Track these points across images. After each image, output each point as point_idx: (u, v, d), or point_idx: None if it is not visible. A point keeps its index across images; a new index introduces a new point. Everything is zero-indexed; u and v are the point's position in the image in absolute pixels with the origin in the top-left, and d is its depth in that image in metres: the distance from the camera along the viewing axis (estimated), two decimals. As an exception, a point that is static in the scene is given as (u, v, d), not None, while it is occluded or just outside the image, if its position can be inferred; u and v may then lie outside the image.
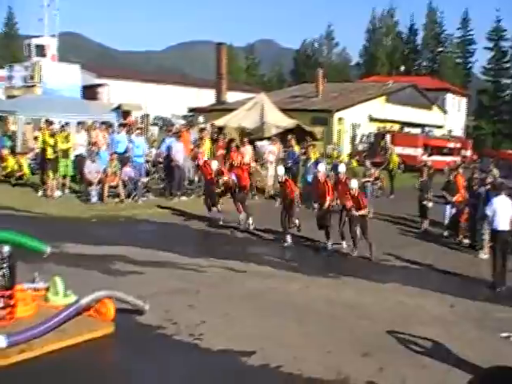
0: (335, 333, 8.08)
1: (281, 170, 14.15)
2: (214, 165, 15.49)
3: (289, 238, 13.37)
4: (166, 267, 10.87)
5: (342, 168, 13.92)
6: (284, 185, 13.77)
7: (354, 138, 38.07)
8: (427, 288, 10.61)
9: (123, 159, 18.06)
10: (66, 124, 19.31)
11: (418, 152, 32.73)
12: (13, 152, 20.24)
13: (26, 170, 18.82)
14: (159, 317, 8.05)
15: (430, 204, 15.95)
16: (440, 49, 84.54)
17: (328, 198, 12.98)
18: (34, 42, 37.80)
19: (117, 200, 16.90)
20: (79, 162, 18.08)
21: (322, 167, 13.94)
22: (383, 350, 7.58)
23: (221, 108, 34.93)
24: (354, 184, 12.81)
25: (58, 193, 17.24)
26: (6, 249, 7.38)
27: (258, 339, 7.55)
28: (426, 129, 41.18)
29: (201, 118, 28.09)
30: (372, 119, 39.30)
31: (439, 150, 33.88)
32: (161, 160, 20.02)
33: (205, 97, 53.17)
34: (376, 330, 8.26)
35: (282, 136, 21.88)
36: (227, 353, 7.14)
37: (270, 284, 10.25)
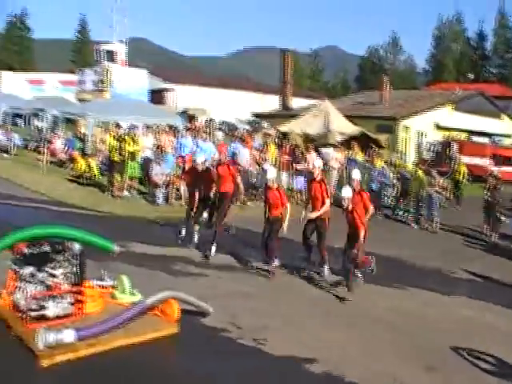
0: (398, 344, 7.94)
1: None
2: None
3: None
4: (229, 270, 10.94)
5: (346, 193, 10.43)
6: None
7: (419, 147, 37.35)
8: (494, 303, 10.29)
9: (188, 162, 18.29)
10: (134, 127, 19.78)
11: (485, 162, 31.77)
12: (83, 153, 20.90)
13: (95, 170, 19.36)
14: (223, 320, 8.09)
15: (504, 218, 15.46)
16: (511, 55, 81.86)
17: (371, 209, 10.96)
18: (104, 47, 38.98)
19: (182, 202, 17.13)
20: (146, 164, 18.46)
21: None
22: (447, 365, 7.39)
23: (285, 114, 34.96)
24: (345, 193, 10.23)
25: (125, 193, 17.64)
26: (77, 247, 7.59)
27: (320, 346, 7.50)
28: (495, 138, 39.97)
29: (265, 124, 28.21)
30: (438, 127, 38.44)
31: (508, 160, 32.79)
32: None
33: (269, 102, 53.32)
34: (440, 343, 8.06)
35: (347, 143, 21.73)
36: (290, 358, 7.11)
37: (333, 291, 10.17)
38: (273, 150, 20.03)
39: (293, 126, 24.10)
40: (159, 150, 18.64)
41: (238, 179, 12.60)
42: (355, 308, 9.34)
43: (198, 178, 12.30)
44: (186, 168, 13.47)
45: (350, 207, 10.03)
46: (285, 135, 22.43)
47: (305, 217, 11.16)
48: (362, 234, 9.65)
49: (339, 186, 20.12)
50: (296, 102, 42.36)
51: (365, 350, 7.60)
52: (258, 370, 6.83)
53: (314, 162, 12.66)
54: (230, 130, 43.97)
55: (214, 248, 11.62)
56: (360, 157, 20.25)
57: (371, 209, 10.82)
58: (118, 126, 18.74)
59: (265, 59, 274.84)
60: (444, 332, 8.55)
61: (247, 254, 12.07)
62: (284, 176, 19.58)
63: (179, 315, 7.55)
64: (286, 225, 10.71)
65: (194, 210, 12.41)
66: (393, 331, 8.41)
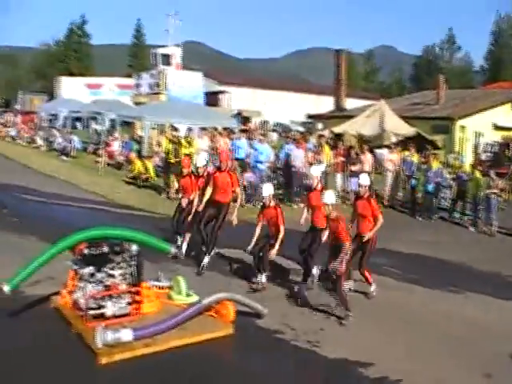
0: (454, 349, 7.78)
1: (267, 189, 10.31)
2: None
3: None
4: (283, 272, 10.95)
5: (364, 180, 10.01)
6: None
7: (476, 147, 36.43)
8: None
9: (244, 165, 18.45)
10: (190, 130, 20.05)
11: (547, 163, 30.67)
12: (139, 155, 21.34)
13: (152, 172, 19.72)
14: (277, 321, 8.11)
15: None
16: None
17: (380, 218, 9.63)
18: (160, 51, 39.58)
19: (235, 204, 17.22)
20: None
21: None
22: (506, 373, 7.19)
23: (340, 115, 34.72)
24: (328, 198, 8.90)
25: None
26: (134, 247, 7.76)
27: (375, 351, 7.44)
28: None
29: (319, 125, 28.14)
30: (497, 127, 37.40)
31: None
32: (280, 166, 20.20)
33: (323, 103, 53.12)
34: (499, 350, 7.85)
35: (402, 144, 21.44)
36: (344, 362, 7.08)
37: (391, 296, 10.03)
38: (327, 152, 19.92)
39: (347, 127, 23.95)
40: (214, 152, 18.82)
41: (238, 189, 11.49)
42: (410, 313, 9.20)
43: (195, 183, 11.41)
44: (184, 172, 12.00)
45: (334, 215, 8.76)
46: (339, 136, 22.30)
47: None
48: (346, 247, 8.48)
49: (394, 187, 19.94)
50: (350, 103, 42.00)
51: (419, 355, 7.48)
52: (312, 372, 6.84)
53: (311, 170, 11.59)
54: (284, 131, 44.03)
55: (206, 260, 10.60)
56: (416, 158, 19.93)
57: (380, 218, 9.56)
58: (174, 128, 19.05)
59: (319, 60, 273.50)
60: (503, 338, 8.33)
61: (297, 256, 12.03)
62: (338, 178, 19.47)
63: (234, 316, 7.63)
64: (275, 251, 9.78)
65: (189, 218, 11.45)
66: (449, 336, 8.25)
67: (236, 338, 7.34)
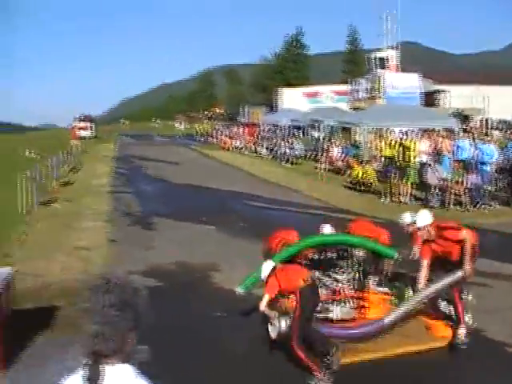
0: None
1: None
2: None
3: None
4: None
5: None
6: None
7: None
8: None
9: (467, 166, 17.53)
10: (411, 132, 19.61)
11: None
12: (359, 160, 21.42)
13: (372, 177, 19.63)
14: (504, 333, 7.56)
15: None
16: None
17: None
18: (376, 55, 39.36)
19: (460, 208, 16.45)
20: (422, 168, 18.14)
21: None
22: None
23: None
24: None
25: (406, 199, 17.58)
26: (360, 254, 7.79)
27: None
28: None
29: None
30: None
31: None
32: (504, 166, 18.82)
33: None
34: None
35: None
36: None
37: None
38: None
39: None
40: (435, 153, 18.18)
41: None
42: None
43: None
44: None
45: None
46: None
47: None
48: None
49: None
50: None
51: None
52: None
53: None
54: (508, 128, 41.04)
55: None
56: None
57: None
58: (391, 131, 18.82)
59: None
60: None
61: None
62: None
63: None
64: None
65: None
66: None
67: (458, 348, 6.98)
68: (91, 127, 62.14)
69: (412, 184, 18.10)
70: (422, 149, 18.78)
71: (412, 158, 17.79)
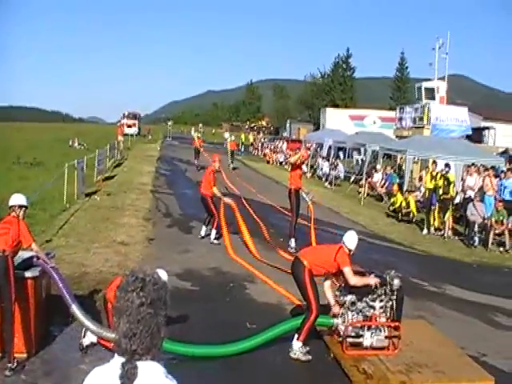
0: None
1: None
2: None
3: None
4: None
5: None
6: None
7: None
8: None
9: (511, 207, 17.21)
10: (447, 165, 19.29)
11: None
12: (401, 189, 21.25)
13: (413, 207, 19.45)
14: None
15: None
16: None
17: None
18: (425, 85, 39.01)
19: (502, 249, 16.16)
20: (465, 204, 17.91)
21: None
22: None
23: None
24: None
25: (443, 233, 17.38)
26: (397, 282, 7.66)
27: None
28: None
29: None
30: None
31: None
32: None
33: None
34: None
35: None
36: None
37: None
38: None
39: None
40: (480, 190, 17.92)
41: None
42: None
43: None
44: None
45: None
46: None
47: None
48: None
49: None
50: None
51: None
52: None
53: None
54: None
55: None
56: None
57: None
58: (435, 163, 18.66)
59: None
60: None
61: None
62: None
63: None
64: None
65: None
66: None
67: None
68: (136, 124, 63.41)
69: (453, 217, 17.88)
70: (470, 184, 18.52)
71: (452, 192, 17.54)
